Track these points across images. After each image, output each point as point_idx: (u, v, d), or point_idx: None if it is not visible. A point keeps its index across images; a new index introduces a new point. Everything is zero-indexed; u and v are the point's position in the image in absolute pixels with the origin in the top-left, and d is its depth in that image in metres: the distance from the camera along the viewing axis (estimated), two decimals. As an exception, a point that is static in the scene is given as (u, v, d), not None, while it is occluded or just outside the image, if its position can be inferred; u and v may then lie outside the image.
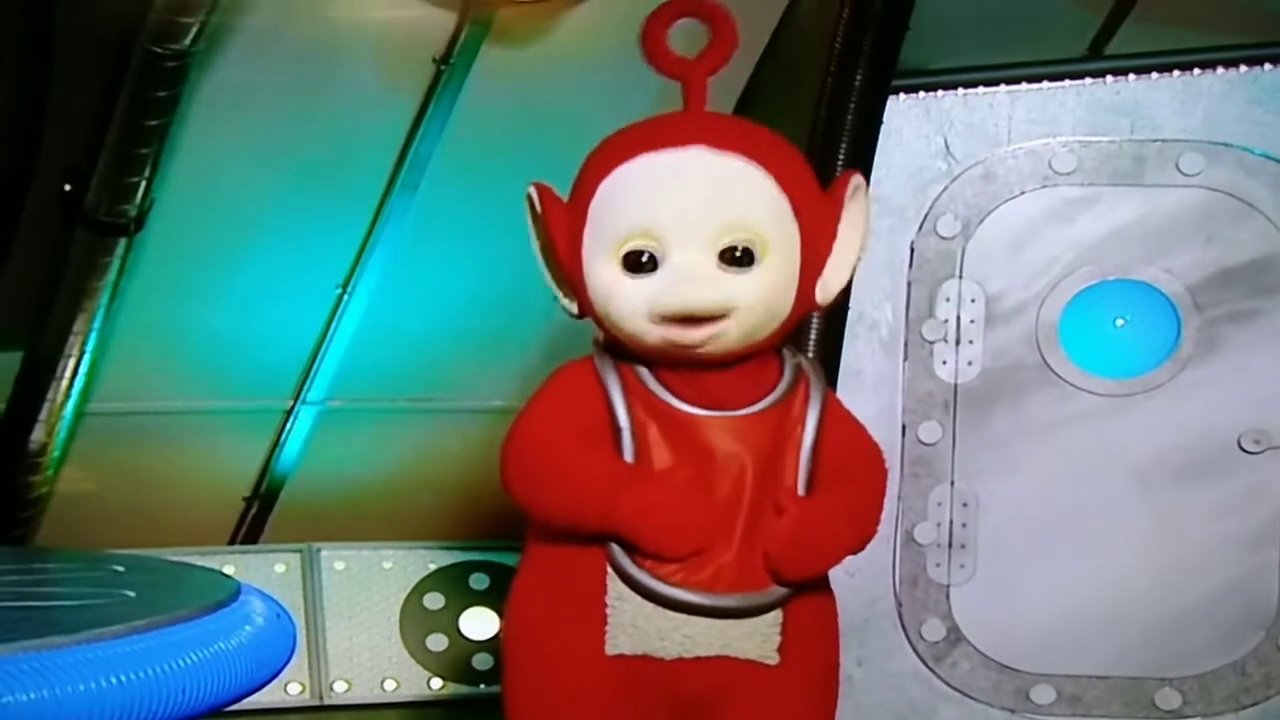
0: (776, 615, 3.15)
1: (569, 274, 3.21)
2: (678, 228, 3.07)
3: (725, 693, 3.18)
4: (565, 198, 3.23)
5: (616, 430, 3.14)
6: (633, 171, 3.11)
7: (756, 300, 3.09)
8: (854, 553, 3.26)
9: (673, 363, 3.15)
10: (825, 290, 3.22)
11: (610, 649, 3.15)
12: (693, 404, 3.14)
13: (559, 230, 3.18)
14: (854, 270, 3.27)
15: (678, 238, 3.07)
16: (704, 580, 3.09)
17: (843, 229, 3.21)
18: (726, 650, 3.13)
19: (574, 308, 3.27)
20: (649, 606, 3.11)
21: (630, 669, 3.15)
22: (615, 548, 3.11)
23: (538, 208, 3.21)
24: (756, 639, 3.14)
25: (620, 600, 3.12)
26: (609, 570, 3.12)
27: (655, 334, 3.10)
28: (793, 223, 3.12)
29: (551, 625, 3.21)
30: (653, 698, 3.18)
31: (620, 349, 3.21)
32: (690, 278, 3.05)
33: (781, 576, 3.12)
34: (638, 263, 3.09)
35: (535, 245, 3.27)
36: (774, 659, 3.16)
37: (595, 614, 3.15)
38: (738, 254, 3.07)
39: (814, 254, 3.17)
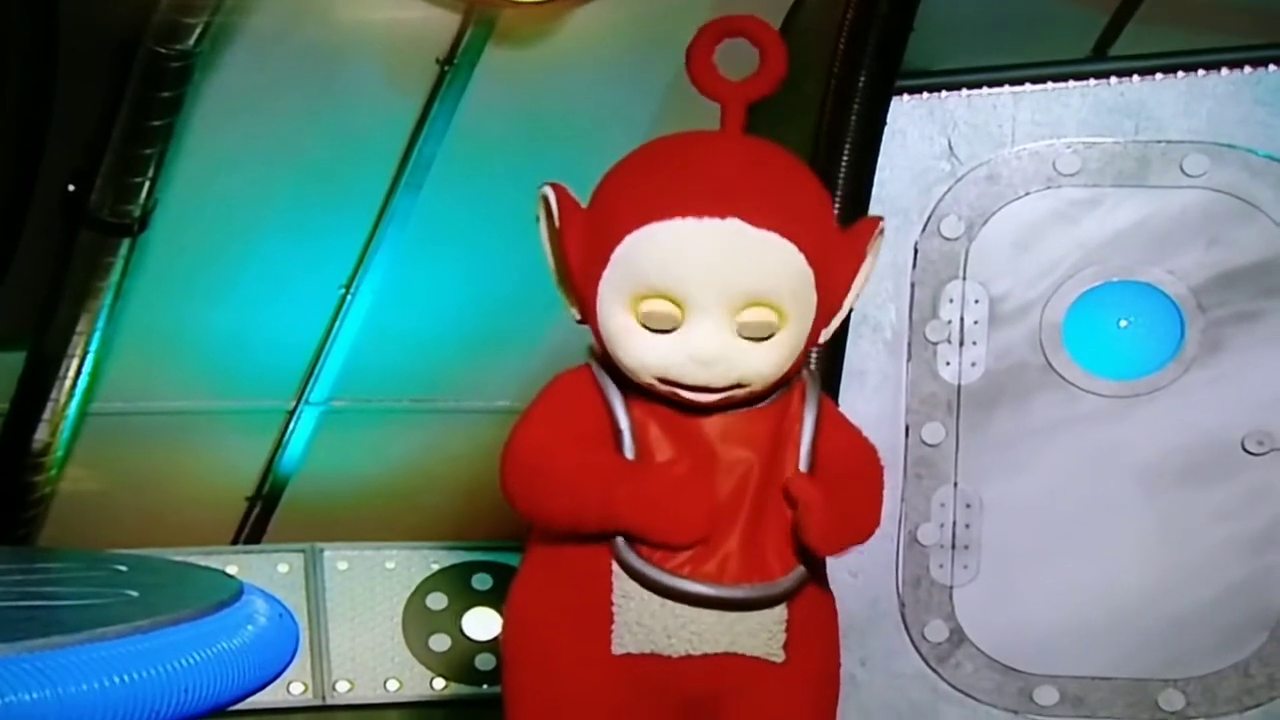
0: (782, 612, 3.16)
1: (579, 290, 3.20)
2: (701, 297, 3.05)
3: (731, 691, 3.18)
4: (582, 202, 3.21)
5: (617, 431, 3.15)
6: (664, 233, 3.05)
7: (770, 371, 3.12)
8: (859, 543, 3.26)
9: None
10: (826, 334, 3.25)
11: (617, 648, 3.15)
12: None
13: (574, 239, 3.16)
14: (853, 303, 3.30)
15: (699, 306, 3.05)
16: (710, 572, 3.10)
17: (856, 280, 3.24)
18: (733, 647, 3.14)
19: (577, 314, 3.27)
20: (656, 603, 3.11)
21: (636, 668, 3.15)
22: (620, 543, 3.11)
23: (554, 208, 3.19)
24: (763, 636, 3.15)
25: (626, 598, 3.13)
26: (614, 568, 3.13)
27: (661, 389, 3.12)
28: (814, 293, 3.12)
29: (555, 626, 3.21)
30: (658, 697, 3.18)
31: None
32: (707, 361, 3.06)
33: (817, 552, 3.13)
34: (656, 320, 3.08)
35: (546, 244, 3.25)
36: (780, 656, 3.17)
37: (601, 613, 3.15)
38: (757, 327, 3.08)
39: (826, 313, 3.20)
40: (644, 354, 3.09)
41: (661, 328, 3.07)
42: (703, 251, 3.04)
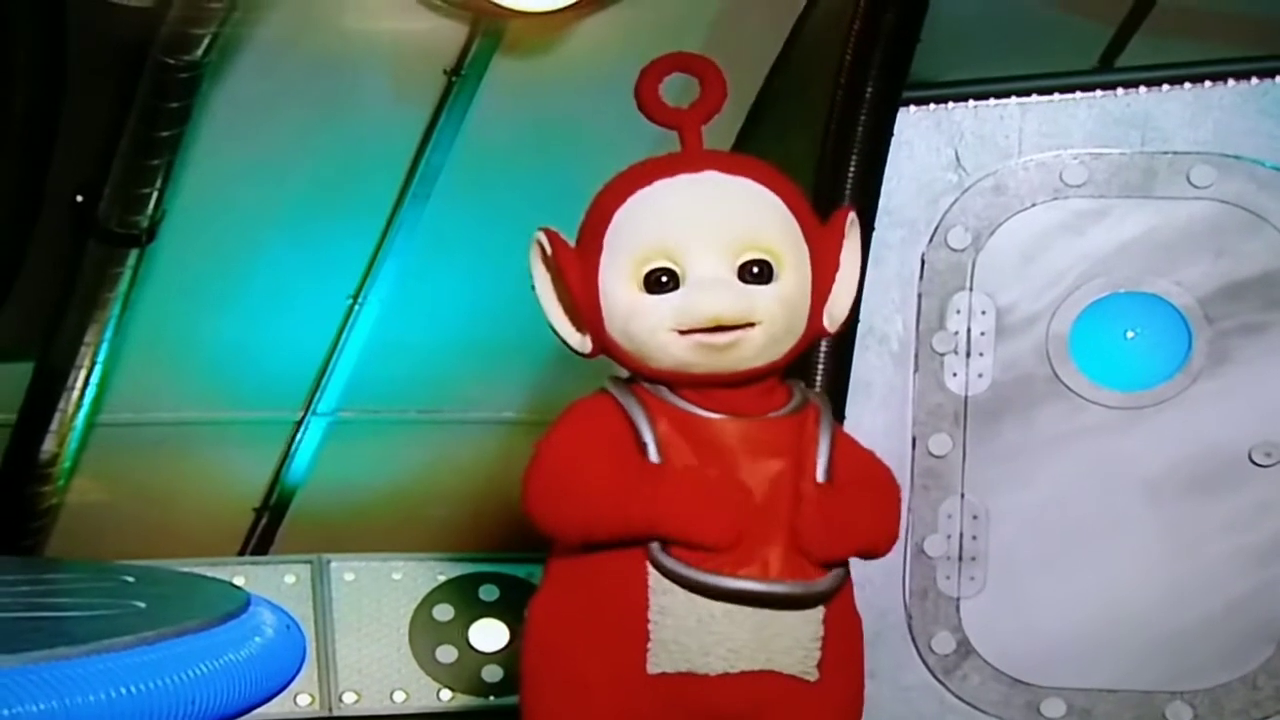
0: (817, 629, 3.16)
1: (583, 309, 3.22)
2: (697, 246, 3.11)
3: (765, 709, 3.17)
4: (571, 241, 3.24)
5: (642, 445, 3.14)
6: (648, 196, 3.16)
7: (778, 311, 3.13)
8: (873, 549, 3.26)
9: (691, 383, 3.16)
10: (831, 317, 3.28)
11: (652, 668, 3.13)
12: (713, 411, 3.16)
13: (571, 269, 3.20)
14: (853, 301, 3.31)
15: (697, 255, 3.11)
16: (753, 572, 3.11)
17: (844, 256, 3.27)
18: (770, 665, 3.13)
19: (587, 346, 3.27)
20: (692, 620, 3.10)
21: (671, 687, 3.14)
22: (657, 551, 3.10)
23: (548, 251, 3.22)
24: (799, 653, 3.15)
25: (663, 615, 3.12)
26: (650, 585, 3.11)
27: (680, 346, 3.12)
28: (802, 242, 3.18)
29: (583, 644, 3.19)
30: (692, 716, 3.17)
31: (637, 378, 3.23)
32: (714, 287, 3.09)
33: (812, 555, 3.13)
34: (658, 282, 3.12)
35: (544, 290, 3.28)
36: (813, 675, 3.17)
37: (636, 632, 3.13)
38: (756, 269, 3.12)
39: (821, 276, 3.22)
40: (656, 311, 3.12)
41: (666, 286, 3.11)
42: (687, 200, 3.15)
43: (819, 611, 3.18)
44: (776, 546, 3.12)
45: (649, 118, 3.29)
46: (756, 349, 3.14)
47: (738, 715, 3.18)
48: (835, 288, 3.26)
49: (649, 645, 3.13)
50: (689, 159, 3.20)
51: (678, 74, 3.30)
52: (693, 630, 3.11)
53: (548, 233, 3.24)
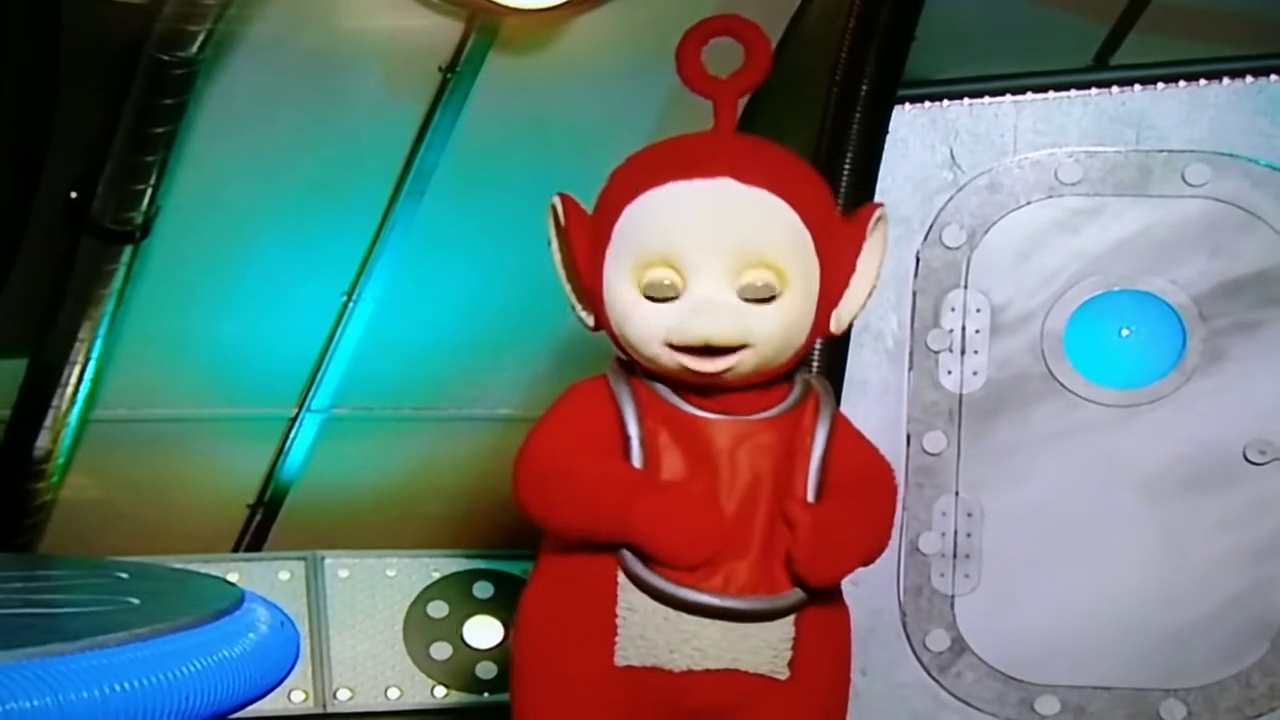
0: (788, 630, 3.15)
1: (588, 288, 3.23)
2: (700, 258, 3.09)
3: (734, 707, 3.18)
4: (589, 210, 3.23)
5: (626, 439, 3.15)
6: (659, 198, 3.12)
7: (774, 334, 3.11)
8: (867, 562, 3.26)
9: (686, 384, 3.16)
10: (839, 320, 3.25)
11: (619, 660, 3.15)
12: (705, 409, 3.15)
13: (581, 243, 3.20)
14: (869, 299, 3.28)
15: (699, 268, 3.09)
16: (717, 584, 3.10)
17: (861, 259, 3.23)
18: (736, 664, 3.14)
19: (590, 320, 3.28)
20: (660, 617, 3.11)
21: (639, 680, 3.15)
22: (627, 554, 3.11)
23: (561, 219, 3.22)
24: (767, 653, 3.14)
25: (631, 611, 3.13)
26: (620, 580, 3.13)
27: (671, 360, 3.12)
28: (813, 257, 3.14)
29: (561, 636, 3.21)
30: (661, 710, 3.18)
31: (636, 365, 3.22)
32: (710, 309, 3.07)
33: (807, 582, 3.13)
34: (658, 289, 3.10)
35: (556, 256, 3.28)
36: (784, 674, 3.16)
37: (605, 625, 3.15)
38: (758, 288, 3.08)
39: (832, 286, 3.20)
40: (650, 321, 3.12)
41: (665, 296, 3.09)
42: (695, 210, 3.09)
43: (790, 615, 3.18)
44: (744, 560, 3.12)
45: (686, 84, 3.24)
46: (748, 370, 3.14)
47: (707, 711, 3.19)
48: (848, 292, 3.24)
49: (616, 639, 3.15)
50: (707, 159, 3.13)
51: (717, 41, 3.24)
52: (660, 627, 3.12)
53: (564, 199, 3.22)
